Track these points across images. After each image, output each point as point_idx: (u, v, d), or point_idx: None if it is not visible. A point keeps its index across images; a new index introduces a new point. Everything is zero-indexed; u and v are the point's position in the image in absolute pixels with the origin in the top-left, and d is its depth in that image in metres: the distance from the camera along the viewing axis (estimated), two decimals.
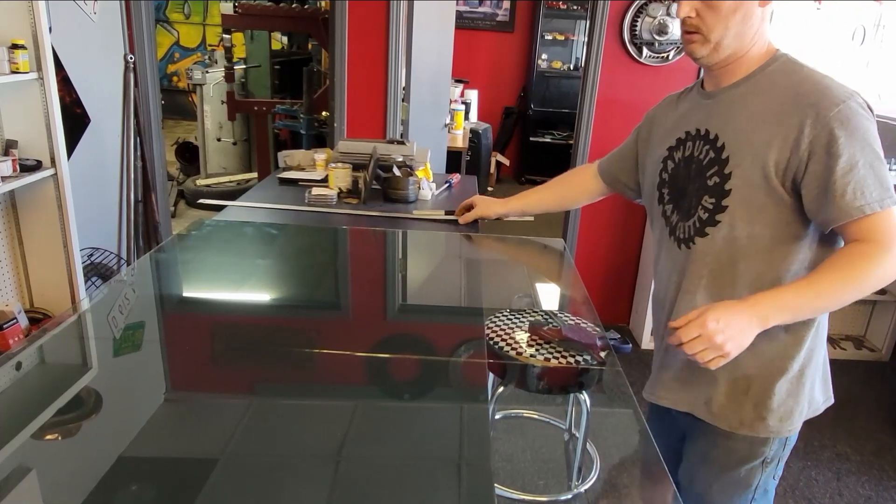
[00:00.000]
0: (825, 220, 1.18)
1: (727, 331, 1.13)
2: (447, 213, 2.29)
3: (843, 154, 1.13)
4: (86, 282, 2.86)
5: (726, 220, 1.25)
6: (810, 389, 1.35)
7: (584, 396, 1.42)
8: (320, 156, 2.73)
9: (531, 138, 7.04)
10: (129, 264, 3.32)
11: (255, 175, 5.59)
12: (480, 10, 6.93)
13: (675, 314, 1.37)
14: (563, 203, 1.91)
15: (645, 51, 3.40)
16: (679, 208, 1.37)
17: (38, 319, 2.65)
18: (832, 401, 1.42)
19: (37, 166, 2.47)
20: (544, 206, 1.88)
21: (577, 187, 1.83)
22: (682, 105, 1.43)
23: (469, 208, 1.99)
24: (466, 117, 5.97)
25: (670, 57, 3.42)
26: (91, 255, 3.10)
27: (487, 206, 1.94)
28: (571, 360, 1.30)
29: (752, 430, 1.33)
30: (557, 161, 6.62)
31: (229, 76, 5.19)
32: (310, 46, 5.70)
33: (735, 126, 1.25)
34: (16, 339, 2.38)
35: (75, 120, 2.99)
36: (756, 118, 1.22)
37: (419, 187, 2.46)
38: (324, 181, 2.54)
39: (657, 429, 1.40)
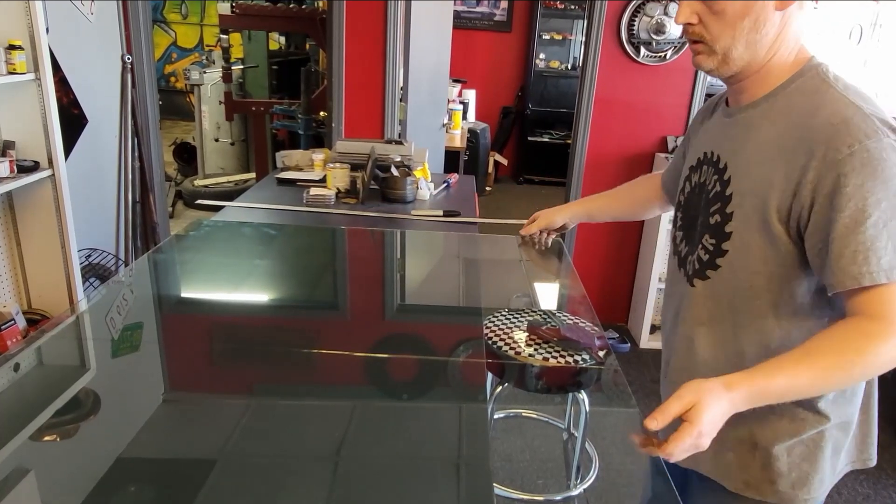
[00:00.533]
0: (826, 283, 0.98)
1: (713, 430, 0.93)
2: (445, 213, 2.29)
3: (847, 206, 0.92)
4: (84, 283, 2.86)
5: (726, 265, 1.09)
6: (832, 455, 1.13)
7: (583, 396, 1.42)
8: (318, 156, 2.73)
9: (529, 138, 7.04)
10: (127, 265, 3.31)
11: (253, 175, 5.59)
12: (478, 9, 6.93)
13: (673, 359, 1.26)
14: (630, 212, 1.69)
15: (643, 50, 3.40)
16: (688, 239, 1.21)
17: (36, 321, 2.64)
18: (872, 462, 1.20)
19: (34, 167, 2.46)
20: (610, 213, 1.72)
21: (643, 197, 1.60)
22: (712, 118, 1.24)
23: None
24: (464, 117, 5.97)
25: (668, 56, 3.42)
26: (89, 255, 3.10)
27: (549, 217, 1.72)
28: (570, 359, 1.30)
29: (759, 494, 1.14)
30: (555, 161, 6.65)
31: (227, 76, 5.18)
32: (307, 46, 5.70)
33: (743, 158, 1.07)
34: (14, 340, 2.38)
35: (73, 121, 2.98)
36: (763, 150, 1.04)
37: (417, 187, 2.46)
38: (322, 181, 2.54)
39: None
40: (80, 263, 2.84)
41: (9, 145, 2.44)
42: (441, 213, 2.30)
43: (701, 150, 1.20)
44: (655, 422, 0.91)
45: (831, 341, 0.95)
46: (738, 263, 1.07)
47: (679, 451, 0.92)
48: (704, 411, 0.90)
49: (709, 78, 3.62)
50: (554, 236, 1.81)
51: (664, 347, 1.34)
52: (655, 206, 1.59)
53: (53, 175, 2.52)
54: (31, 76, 2.38)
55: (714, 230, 1.10)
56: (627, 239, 3.80)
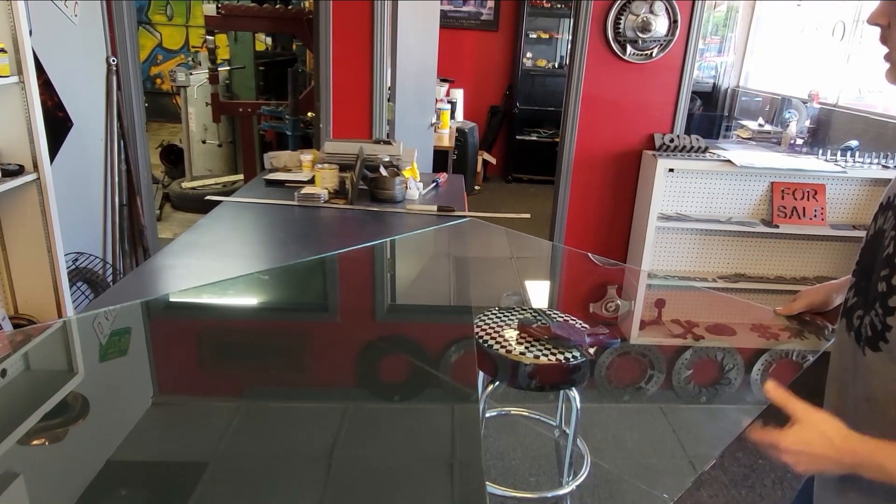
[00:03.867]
0: None
1: (803, 463, 0.88)
2: (440, 208, 2.30)
3: None
4: (71, 287, 2.83)
5: (887, 347, 0.92)
6: None
7: (574, 393, 1.42)
8: (307, 157, 2.72)
9: (517, 137, 7.05)
10: (114, 268, 3.29)
11: (241, 177, 5.56)
12: (465, 9, 6.93)
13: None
14: None
15: (629, 48, 3.41)
16: (859, 291, 1.02)
17: (23, 326, 2.62)
18: None
19: (19, 171, 2.44)
20: None
21: None
22: None
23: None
24: (452, 116, 5.98)
25: (654, 54, 3.44)
26: (76, 259, 3.07)
27: (815, 296, 1.37)
28: (561, 356, 1.31)
29: None
30: (544, 159, 6.67)
31: (213, 78, 5.15)
32: (294, 47, 5.68)
33: None
34: (0, 345, 2.35)
35: (58, 124, 2.96)
36: None
37: (406, 187, 2.46)
38: (310, 182, 2.54)
39: None
40: (67, 267, 2.81)
41: None
42: (435, 208, 2.30)
43: (893, 190, 1.01)
44: (772, 393, 0.90)
45: None
46: None
47: (760, 443, 0.90)
48: (801, 441, 0.86)
49: (695, 76, 3.65)
50: (828, 329, 1.40)
51: (834, 399, 1.09)
52: None
53: (39, 179, 2.49)
54: (14, 79, 2.36)
55: (881, 299, 0.93)
56: (615, 238, 3.81)
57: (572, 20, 3.68)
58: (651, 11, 3.33)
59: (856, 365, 1.00)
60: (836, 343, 1.07)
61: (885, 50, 0.94)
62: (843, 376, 1.04)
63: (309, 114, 4.50)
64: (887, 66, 0.94)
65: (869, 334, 0.96)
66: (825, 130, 3.78)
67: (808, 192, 3.40)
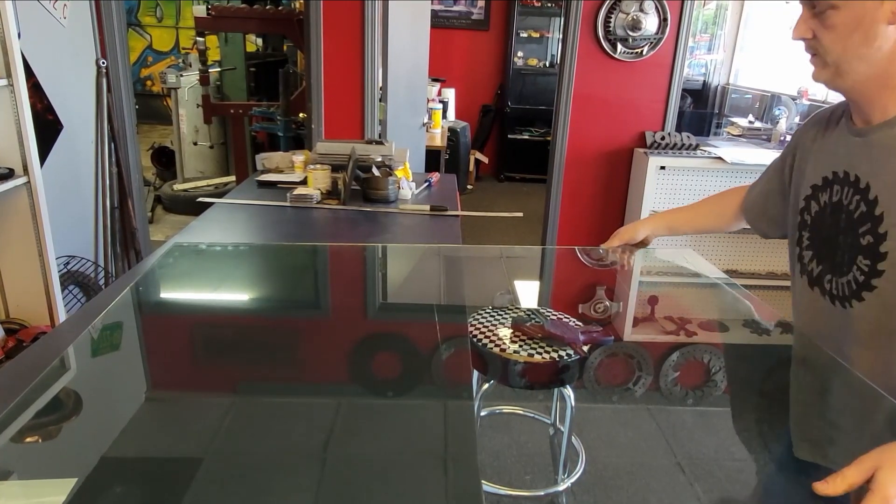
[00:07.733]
0: None
1: None
2: (433, 208, 2.31)
3: None
4: (63, 290, 2.82)
5: (883, 285, 1.08)
6: None
7: (568, 391, 1.43)
8: (299, 157, 2.72)
9: (509, 136, 7.07)
10: (106, 271, 3.27)
11: (233, 178, 5.55)
12: (455, 8, 6.94)
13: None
14: (714, 226, 1.71)
15: (619, 47, 3.43)
16: (825, 260, 1.20)
17: (14, 330, 2.60)
18: None
19: (9, 174, 2.43)
20: (693, 226, 1.74)
21: (729, 213, 1.63)
22: (830, 135, 1.24)
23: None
24: (444, 116, 5.99)
25: (644, 52, 3.46)
26: (67, 263, 3.06)
27: (630, 231, 1.74)
28: (554, 355, 1.31)
29: None
30: (536, 158, 6.68)
31: (204, 79, 5.14)
32: (285, 48, 5.67)
33: (889, 177, 1.07)
34: None
35: (47, 127, 2.94)
36: None
37: (399, 187, 2.47)
38: (303, 183, 2.53)
39: None
40: (59, 271, 2.80)
41: None
42: (428, 208, 2.31)
43: (828, 170, 1.19)
44: (828, 486, 0.83)
45: None
46: None
47: None
48: (891, 479, 0.81)
49: (685, 73, 3.67)
50: (635, 252, 1.83)
51: (824, 357, 1.25)
52: (739, 222, 1.58)
53: (29, 182, 2.48)
54: (3, 82, 2.35)
55: (867, 251, 1.09)
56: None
57: (563, 19, 3.69)
58: (641, 10, 3.35)
59: (847, 319, 1.14)
60: (812, 312, 1.23)
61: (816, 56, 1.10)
62: (833, 334, 1.18)
63: (301, 115, 4.49)
64: (815, 66, 1.11)
65: (853, 288, 1.12)
66: None
67: None
